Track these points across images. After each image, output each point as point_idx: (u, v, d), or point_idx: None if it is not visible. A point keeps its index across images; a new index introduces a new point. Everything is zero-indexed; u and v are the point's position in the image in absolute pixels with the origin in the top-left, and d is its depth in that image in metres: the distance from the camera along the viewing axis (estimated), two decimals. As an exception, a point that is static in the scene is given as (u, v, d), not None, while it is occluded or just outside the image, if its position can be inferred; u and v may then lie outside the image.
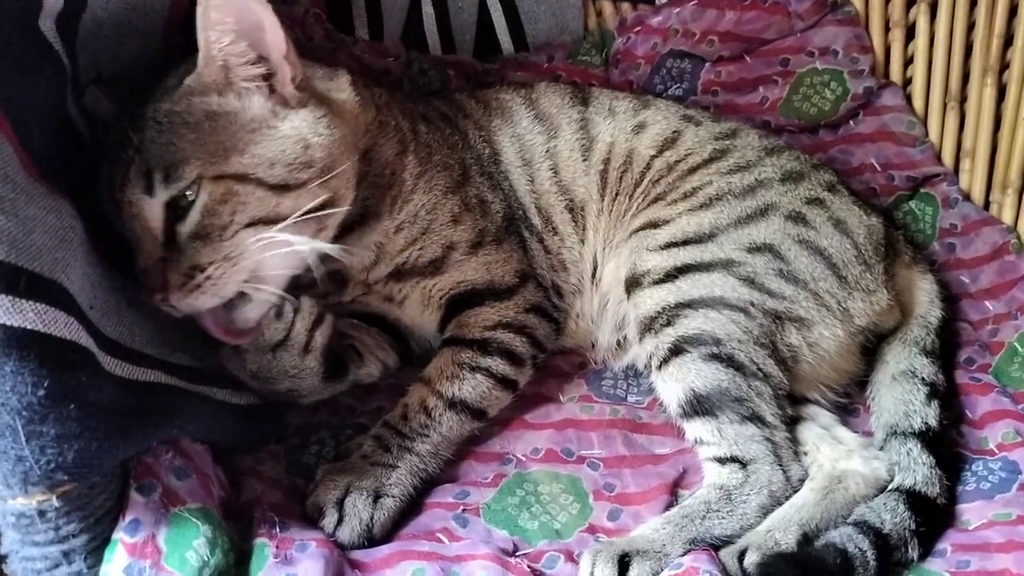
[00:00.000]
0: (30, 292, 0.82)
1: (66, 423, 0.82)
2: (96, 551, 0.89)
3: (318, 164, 1.13)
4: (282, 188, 1.10)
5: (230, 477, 1.08)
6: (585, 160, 1.42)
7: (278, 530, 1.00)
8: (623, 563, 1.04)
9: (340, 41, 1.58)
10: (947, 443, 1.25)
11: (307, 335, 1.18)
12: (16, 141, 0.87)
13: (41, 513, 0.85)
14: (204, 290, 1.07)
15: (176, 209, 1.07)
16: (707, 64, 1.69)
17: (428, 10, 1.68)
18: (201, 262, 1.07)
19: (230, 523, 0.99)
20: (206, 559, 0.90)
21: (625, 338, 1.37)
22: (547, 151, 1.42)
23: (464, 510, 1.14)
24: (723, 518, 1.11)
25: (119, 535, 0.89)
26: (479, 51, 1.73)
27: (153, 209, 1.07)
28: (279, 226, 1.09)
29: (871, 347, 1.35)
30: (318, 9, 1.56)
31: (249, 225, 1.08)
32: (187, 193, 1.06)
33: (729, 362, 1.20)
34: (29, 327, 0.81)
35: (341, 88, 1.23)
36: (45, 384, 0.81)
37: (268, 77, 1.11)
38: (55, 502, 0.84)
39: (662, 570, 1.05)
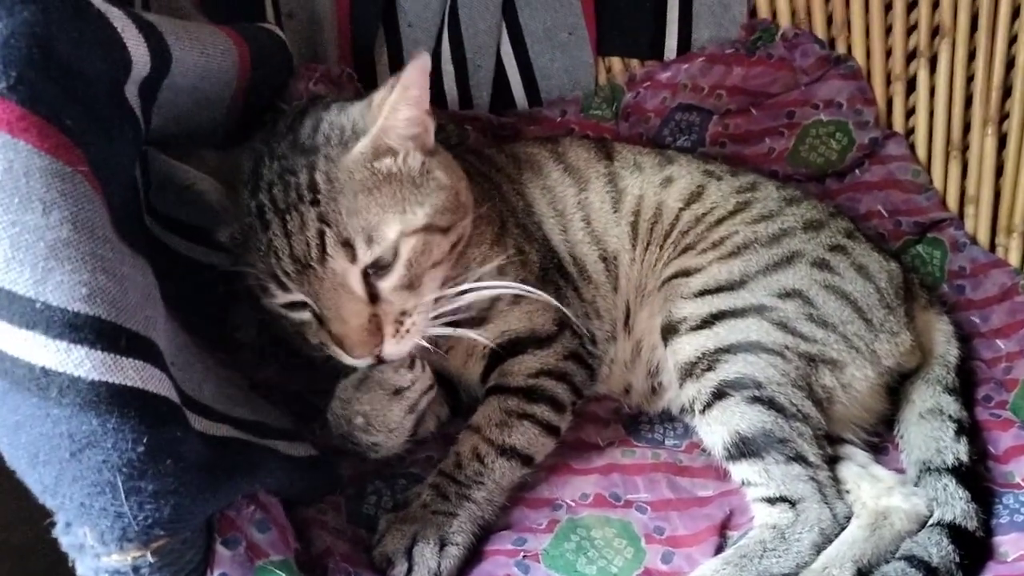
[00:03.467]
0: (129, 350, 0.83)
1: (163, 479, 0.84)
2: (185, 606, 0.89)
3: (463, 205, 1.24)
4: (446, 231, 1.20)
5: (296, 529, 1.08)
6: (616, 212, 1.47)
7: (354, 581, 1.01)
8: (690, 604, 1.07)
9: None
10: (977, 478, 1.30)
11: (419, 396, 1.23)
12: (106, 203, 0.89)
13: (135, 569, 0.85)
14: (412, 333, 1.17)
15: (372, 268, 1.13)
16: (715, 117, 1.75)
17: (448, 68, 1.73)
18: (408, 308, 1.16)
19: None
20: (293, 611, 0.91)
21: (660, 384, 1.41)
22: (578, 203, 1.47)
23: (525, 556, 1.16)
24: (780, 557, 1.14)
25: (208, 589, 0.90)
26: (494, 106, 1.78)
27: (355, 274, 1.12)
28: (445, 266, 1.22)
29: (895, 387, 1.40)
30: (349, 68, 1.60)
31: (431, 268, 1.18)
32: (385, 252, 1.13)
33: (771, 404, 1.24)
34: (129, 384, 0.82)
35: None
36: (144, 440, 0.82)
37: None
38: (150, 558, 0.85)
39: (728, 610, 1.07)
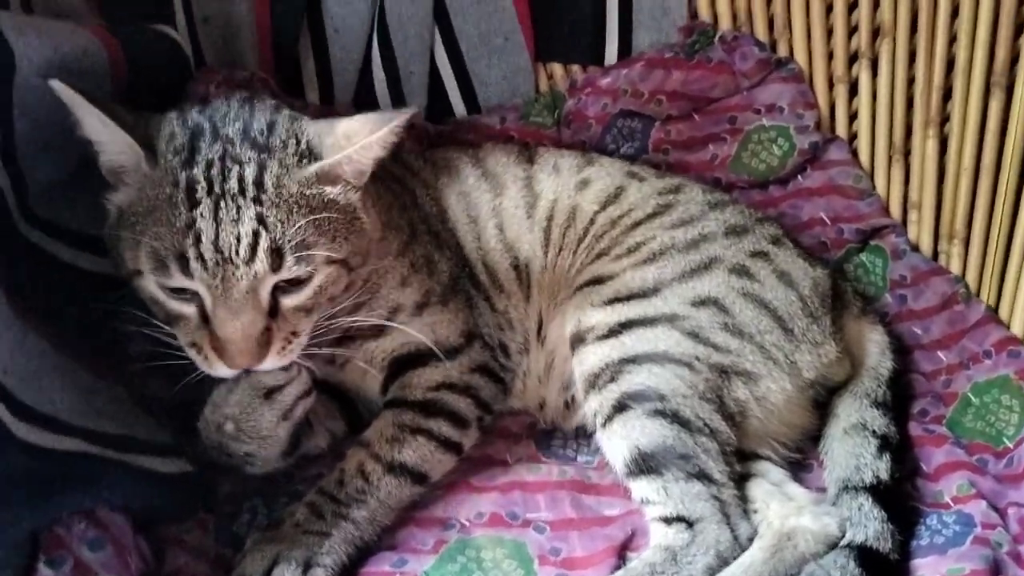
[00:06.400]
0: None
1: (-34, 493, 0.79)
2: (-2, 631, 0.84)
3: (369, 253, 1.20)
4: (351, 271, 1.17)
5: (154, 548, 1.03)
6: (529, 217, 1.41)
7: (201, 604, 0.96)
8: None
9: (289, 106, 1.58)
10: (901, 497, 1.23)
11: (293, 401, 1.18)
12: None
13: (-62, 591, 0.80)
14: (292, 352, 1.12)
15: (284, 284, 1.09)
16: (657, 123, 1.70)
17: (379, 75, 1.69)
18: (299, 329, 1.12)
19: (149, 597, 0.95)
20: (117, 636, 0.86)
21: (573, 398, 1.35)
22: (493, 209, 1.42)
23: (401, 579, 1.10)
24: (668, 580, 1.08)
25: (24, 613, 0.85)
26: (432, 113, 1.74)
27: (269, 283, 1.08)
28: (339, 300, 1.17)
29: (823, 401, 1.33)
30: (265, 75, 1.56)
31: (329, 299, 1.15)
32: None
33: (674, 418, 1.17)
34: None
35: None
36: (-58, 451, 0.78)
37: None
38: (-47, 579, 0.80)
39: (607, 637, 1.01)
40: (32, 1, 1.20)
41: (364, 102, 1.70)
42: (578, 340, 1.28)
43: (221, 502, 1.18)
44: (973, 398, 1.38)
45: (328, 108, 1.66)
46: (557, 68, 1.76)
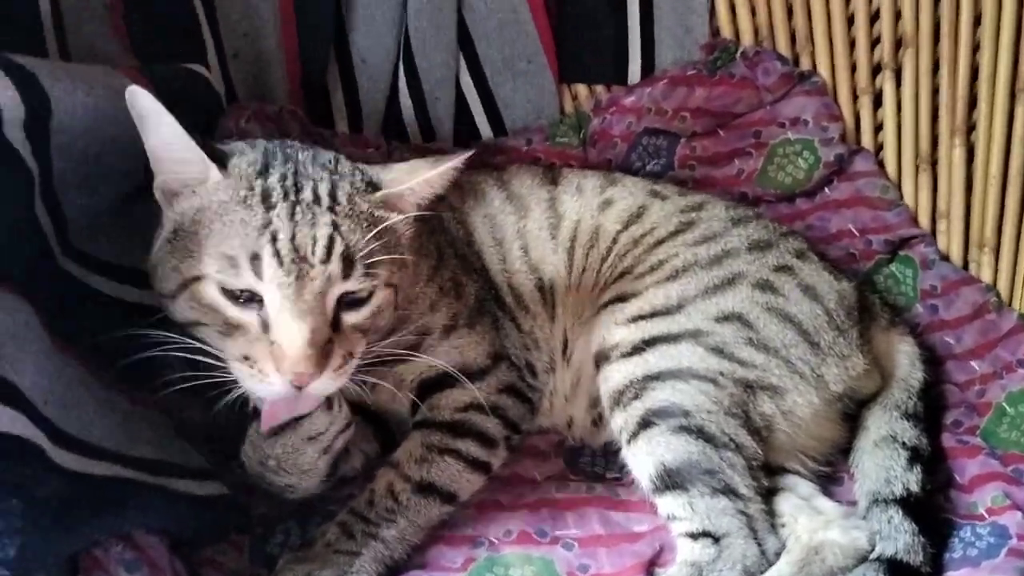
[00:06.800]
0: (-27, 387, 0.83)
1: (8, 517, 0.83)
2: (40, 652, 0.88)
3: (406, 286, 1.21)
4: (396, 307, 1.18)
5: (189, 569, 1.06)
6: (553, 238, 1.43)
7: (234, 623, 0.98)
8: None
9: (319, 135, 1.63)
10: (934, 509, 1.22)
11: (334, 437, 1.19)
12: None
13: (-16, 613, 0.84)
14: (345, 375, 1.10)
15: (346, 298, 1.10)
16: (682, 140, 1.71)
17: (406, 101, 1.72)
18: (355, 350, 1.11)
19: (186, 617, 0.98)
20: (154, 654, 0.89)
21: (601, 416, 1.36)
22: (518, 231, 1.44)
23: (430, 597, 1.12)
24: (695, 596, 1.08)
25: (65, 633, 0.88)
26: (458, 137, 1.77)
27: (337, 290, 1.07)
28: (382, 329, 1.17)
29: (853, 414, 1.33)
30: (295, 107, 1.61)
31: (381, 324, 1.16)
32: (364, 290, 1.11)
33: (699, 434, 1.18)
34: (-30, 421, 0.82)
35: None
36: (-15, 479, 0.82)
37: None
38: (-3, 601, 0.84)
39: (633, 653, 1.01)
40: (69, 47, 1.26)
41: (392, 129, 1.74)
42: (603, 358, 1.29)
43: (255, 523, 1.20)
44: (1008, 408, 1.36)
45: (357, 136, 1.70)
46: (581, 89, 1.78)
